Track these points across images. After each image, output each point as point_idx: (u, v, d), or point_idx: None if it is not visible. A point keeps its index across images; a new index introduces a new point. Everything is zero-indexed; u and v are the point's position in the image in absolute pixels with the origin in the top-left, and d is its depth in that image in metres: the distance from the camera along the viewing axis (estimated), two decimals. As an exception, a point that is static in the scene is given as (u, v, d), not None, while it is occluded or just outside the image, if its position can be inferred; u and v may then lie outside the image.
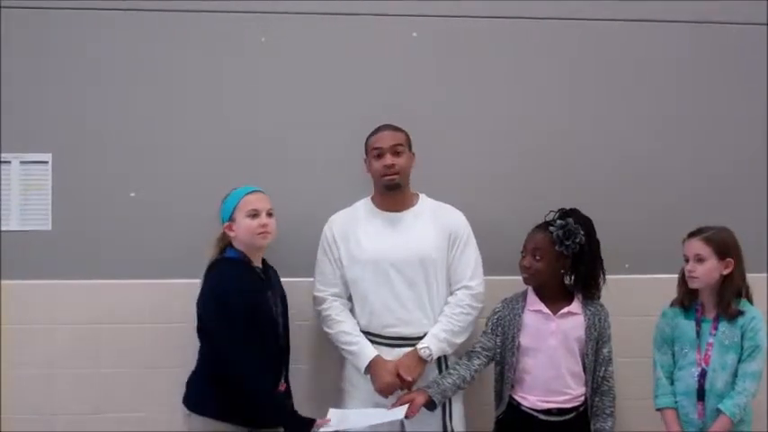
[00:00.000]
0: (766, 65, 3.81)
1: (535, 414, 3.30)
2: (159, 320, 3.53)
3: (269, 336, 3.15)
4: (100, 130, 3.58)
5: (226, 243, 3.23)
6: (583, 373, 3.33)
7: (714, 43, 3.80)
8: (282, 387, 3.18)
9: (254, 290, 3.15)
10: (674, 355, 3.30)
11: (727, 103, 3.82)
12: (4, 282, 3.51)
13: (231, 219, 3.20)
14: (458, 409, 3.32)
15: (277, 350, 3.18)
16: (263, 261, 3.29)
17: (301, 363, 3.48)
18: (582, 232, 3.29)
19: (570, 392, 3.31)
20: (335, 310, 3.30)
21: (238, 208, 3.19)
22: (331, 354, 3.42)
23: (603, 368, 3.34)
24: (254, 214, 3.18)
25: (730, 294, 3.20)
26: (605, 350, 3.35)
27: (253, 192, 3.23)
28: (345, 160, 3.56)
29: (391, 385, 3.20)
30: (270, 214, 3.22)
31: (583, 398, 3.33)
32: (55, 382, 3.53)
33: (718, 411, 3.15)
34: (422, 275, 3.26)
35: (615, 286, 3.54)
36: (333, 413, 3.13)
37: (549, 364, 3.29)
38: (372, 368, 3.21)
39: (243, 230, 3.18)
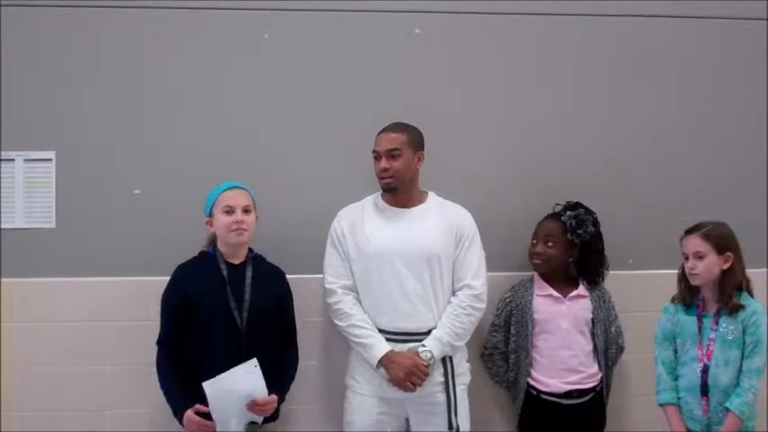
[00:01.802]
0: (767, 60, 3.82)
1: (556, 400, 3.40)
2: (164, 317, 3.54)
3: (218, 331, 3.14)
4: (103, 128, 3.57)
5: (215, 238, 3.29)
6: (594, 353, 3.46)
7: (715, 39, 3.81)
8: None
9: (203, 285, 3.17)
10: (675, 350, 3.31)
11: (728, 98, 3.82)
12: (7, 279, 3.51)
13: (210, 215, 3.25)
14: (463, 405, 3.33)
15: (231, 346, 3.14)
16: (256, 258, 3.30)
17: (310, 359, 3.49)
18: (591, 223, 3.45)
19: (586, 370, 3.44)
20: (347, 303, 3.30)
21: (215, 205, 3.23)
22: (339, 350, 3.44)
23: (615, 345, 3.52)
24: (229, 211, 3.20)
25: (731, 288, 3.22)
26: (613, 328, 3.52)
27: (230, 188, 3.25)
28: (351, 157, 3.57)
29: (410, 374, 3.19)
30: (247, 211, 3.23)
31: (599, 377, 3.46)
32: (59, 380, 3.52)
33: (727, 410, 3.16)
34: (427, 270, 3.27)
35: (618, 282, 3.61)
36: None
37: (564, 345, 3.43)
38: (386, 362, 3.22)
39: (219, 227, 3.22)
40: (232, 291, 3.19)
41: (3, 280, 3.51)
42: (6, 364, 3.50)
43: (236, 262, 3.25)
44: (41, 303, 3.53)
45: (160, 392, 3.42)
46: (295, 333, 3.35)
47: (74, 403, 3.53)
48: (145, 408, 3.51)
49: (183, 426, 3.11)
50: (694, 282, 3.25)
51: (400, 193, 3.33)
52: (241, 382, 3.07)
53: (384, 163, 3.29)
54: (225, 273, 3.21)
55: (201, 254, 3.31)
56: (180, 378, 3.16)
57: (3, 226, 3.54)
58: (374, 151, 3.33)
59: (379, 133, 3.34)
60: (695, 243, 3.23)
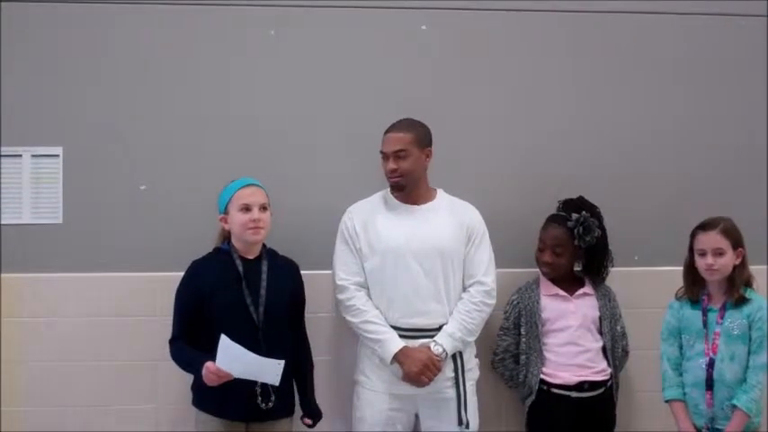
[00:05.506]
0: (766, 57, 3.82)
1: (567, 393, 3.41)
2: (170, 313, 3.47)
3: (234, 327, 3.12)
4: (110, 124, 3.57)
5: (228, 234, 3.28)
6: (602, 351, 3.47)
7: (716, 36, 3.82)
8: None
9: (218, 281, 3.17)
10: (681, 347, 3.31)
11: (729, 95, 3.82)
12: (14, 275, 3.51)
13: (225, 212, 3.24)
14: (472, 401, 3.34)
15: (248, 342, 3.11)
16: (270, 252, 3.30)
17: (321, 354, 3.49)
18: (597, 226, 3.45)
19: (595, 366, 3.45)
20: (360, 299, 3.30)
21: (231, 202, 3.22)
22: (350, 346, 3.44)
23: (620, 345, 3.53)
24: (246, 209, 3.20)
25: (741, 284, 3.22)
26: (618, 327, 3.53)
27: (246, 185, 3.25)
28: (358, 153, 3.57)
29: (424, 369, 3.20)
30: (264, 208, 3.22)
31: (609, 372, 3.47)
32: (66, 376, 3.52)
33: (734, 407, 3.15)
34: (440, 267, 3.28)
35: (624, 278, 3.62)
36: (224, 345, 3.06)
37: (573, 342, 3.44)
38: (401, 357, 3.22)
39: (235, 225, 3.21)
40: (248, 286, 3.19)
41: (10, 275, 3.51)
42: (12, 360, 3.49)
43: (251, 257, 3.25)
44: (48, 299, 3.53)
45: (168, 388, 3.49)
46: (304, 323, 3.38)
47: (80, 399, 3.53)
48: (152, 403, 3.53)
49: (199, 387, 3.13)
50: (712, 278, 3.22)
51: (409, 191, 3.34)
52: (256, 366, 3.04)
53: (392, 164, 3.29)
54: (240, 268, 3.21)
55: (216, 250, 3.30)
56: (196, 351, 3.15)
57: (10, 221, 3.54)
58: (381, 152, 3.33)
59: (386, 133, 3.33)
60: (715, 239, 3.20)
